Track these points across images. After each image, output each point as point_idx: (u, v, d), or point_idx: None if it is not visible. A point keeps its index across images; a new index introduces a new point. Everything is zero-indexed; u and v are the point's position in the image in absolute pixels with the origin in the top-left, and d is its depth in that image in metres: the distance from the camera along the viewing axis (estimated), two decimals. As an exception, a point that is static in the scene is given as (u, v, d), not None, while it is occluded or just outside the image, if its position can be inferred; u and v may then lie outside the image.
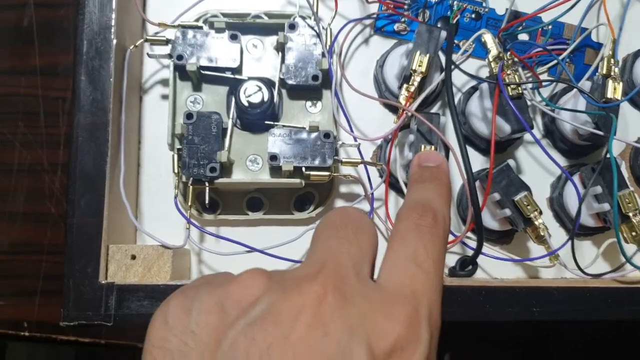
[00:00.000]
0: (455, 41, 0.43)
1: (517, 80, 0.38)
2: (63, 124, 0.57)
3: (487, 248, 0.38)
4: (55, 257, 0.56)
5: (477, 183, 0.39)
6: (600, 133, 0.38)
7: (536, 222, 0.38)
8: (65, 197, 0.51)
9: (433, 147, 0.38)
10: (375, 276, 0.24)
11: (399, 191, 0.41)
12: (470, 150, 0.43)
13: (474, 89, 0.42)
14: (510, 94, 0.38)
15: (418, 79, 0.38)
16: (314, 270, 0.22)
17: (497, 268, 0.42)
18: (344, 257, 0.23)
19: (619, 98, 0.38)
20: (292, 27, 0.39)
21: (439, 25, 0.43)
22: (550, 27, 0.44)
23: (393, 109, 0.43)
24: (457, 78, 0.43)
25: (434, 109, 0.43)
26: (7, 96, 0.57)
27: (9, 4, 0.57)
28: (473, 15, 0.44)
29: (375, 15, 0.43)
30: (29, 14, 0.58)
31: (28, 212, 0.56)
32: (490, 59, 0.39)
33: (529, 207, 0.38)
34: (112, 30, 0.36)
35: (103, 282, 0.34)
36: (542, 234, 0.38)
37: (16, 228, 0.56)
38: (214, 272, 0.41)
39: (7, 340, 0.61)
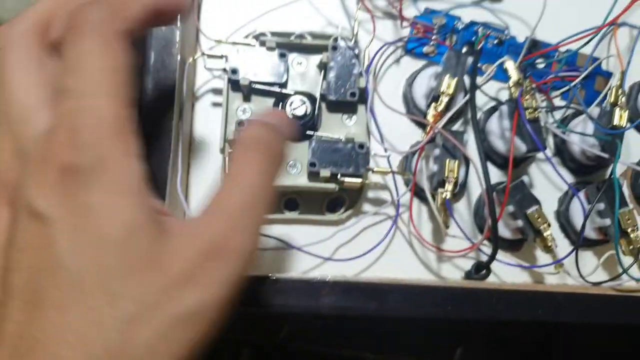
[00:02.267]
0: (479, 64, 0.47)
1: (534, 105, 0.43)
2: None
3: (499, 254, 0.42)
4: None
5: (494, 194, 0.44)
6: (606, 156, 0.42)
7: (545, 234, 0.42)
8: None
9: (457, 162, 0.42)
10: None
11: (423, 199, 0.46)
12: (488, 165, 0.47)
13: (494, 109, 0.47)
14: (528, 117, 0.42)
15: (446, 99, 0.43)
16: None
17: (507, 272, 0.46)
18: None
19: (624, 125, 0.43)
20: (335, 48, 0.43)
21: (465, 50, 0.48)
22: (565, 54, 0.48)
23: (419, 123, 0.47)
24: (479, 98, 0.47)
25: (457, 125, 0.48)
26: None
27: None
28: (496, 42, 0.48)
29: (406, 38, 0.48)
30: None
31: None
32: (511, 85, 0.44)
33: (539, 219, 0.42)
34: (177, 45, 0.41)
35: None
36: (549, 244, 0.43)
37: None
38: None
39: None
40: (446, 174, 0.42)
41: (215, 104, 0.46)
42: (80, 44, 0.24)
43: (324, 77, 0.44)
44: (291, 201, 0.46)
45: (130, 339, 0.21)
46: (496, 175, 0.47)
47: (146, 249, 0.22)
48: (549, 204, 0.48)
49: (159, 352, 0.21)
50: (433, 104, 0.43)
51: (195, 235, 0.24)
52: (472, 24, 0.48)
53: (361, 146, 0.43)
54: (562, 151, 0.47)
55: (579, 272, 0.42)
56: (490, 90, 0.48)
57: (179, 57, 0.40)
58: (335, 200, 0.46)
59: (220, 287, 0.24)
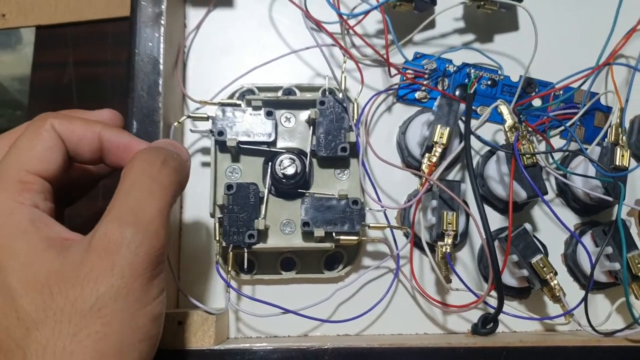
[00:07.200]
0: (473, 107, 0.46)
1: (532, 150, 0.41)
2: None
3: (506, 304, 0.41)
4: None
5: (496, 242, 0.42)
6: (610, 199, 0.41)
7: (551, 283, 0.41)
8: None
9: (455, 214, 0.41)
10: None
11: (423, 250, 0.44)
12: (489, 210, 0.46)
13: (491, 152, 0.45)
14: (525, 163, 0.41)
15: (439, 150, 0.42)
16: None
17: (516, 322, 0.44)
18: None
19: (627, 165, 0.41)
20: (322, 103, 0.42)
21: (457, 93, 0.47)
22: (561, 92, 0.47)
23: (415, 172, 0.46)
24: (474, 142, 0.45)
25: (454, 172, 0.46)
26: (48, 149, 0.60)
27: (51, 63, 0.61)
28: (489, 82, 0.47)
29: (397, 85, 0.46)
30: (69, 72, 0.61)
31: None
32: (506, 128, 0.42)
33: (544, 269, 0.40)
34: (160, 112, 0.40)
35: (153, 346, 0.37)
36: (557, 294, 0.41)
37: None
38: (252, 330, 0.44)
39: None
40: (445, 227, 0.41)
41: (205, 164, 0.45)
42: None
43: (314, 133, 0.43)
44: (288, 260, 0.45)
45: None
46: (498, 220, 0.46)
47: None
48: (556, 247, 0.46)
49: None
50: (427, 155, 0.42)
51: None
52: (464, 66, 0.47)
53: (355, 202, 0.41)
54: (565, 192, 0.46)
55: (590, 324, 0.40)
56: (486, 133, 0.46)
57: (161, 124, 0.39)
58: (334, 256, 0.45)
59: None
